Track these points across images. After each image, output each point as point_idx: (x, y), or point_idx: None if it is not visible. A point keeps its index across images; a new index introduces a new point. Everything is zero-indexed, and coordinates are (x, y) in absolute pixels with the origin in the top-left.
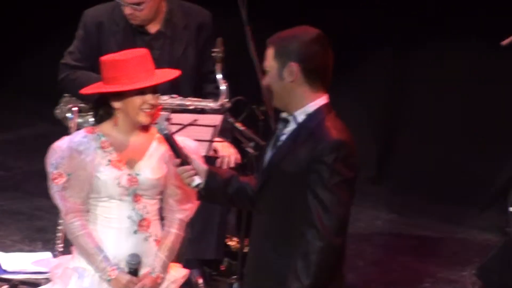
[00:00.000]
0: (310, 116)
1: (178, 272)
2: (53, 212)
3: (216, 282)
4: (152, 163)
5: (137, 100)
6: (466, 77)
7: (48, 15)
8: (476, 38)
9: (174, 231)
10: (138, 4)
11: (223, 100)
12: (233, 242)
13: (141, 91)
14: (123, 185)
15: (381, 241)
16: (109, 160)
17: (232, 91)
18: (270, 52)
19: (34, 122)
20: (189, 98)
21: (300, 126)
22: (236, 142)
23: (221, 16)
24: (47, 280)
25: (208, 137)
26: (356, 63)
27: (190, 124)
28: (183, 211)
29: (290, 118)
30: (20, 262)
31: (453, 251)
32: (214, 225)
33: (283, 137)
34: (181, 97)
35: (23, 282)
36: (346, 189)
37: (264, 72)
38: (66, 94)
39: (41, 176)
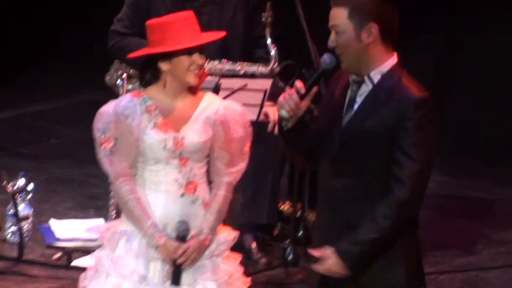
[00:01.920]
0: (386, 76)
1: (228, 234)
2: (105, 179)
3: (269, 247)
4: (198, 126)
5: (185, 60)
6: None
7: None
8: None
9: (222, 193)
10: None
11: (273, 64)
12: (286, 207)
13: (188, 52)
14: (169, 148)
15: (434, 203)
16: (155, 123)
17: (282, 55)
18: (341, 12)
19: (85, 90)
20: (239, 63)
21: (377, 86)
22: None
23: None
24: (100, 247)
25: (258, 102)
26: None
27: (240, 89)
28: (230, 174)
29: (365, 79)
30: (73, 229)
31: (506, 213)
32: (266, 190)
33: (359, 99)
34: (231, 62)
35: (76, 249)
36: (432, 144)
37: (330, 32)
38: (116, 61)
39: (93, 143)
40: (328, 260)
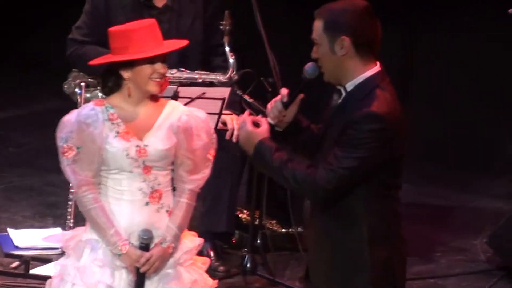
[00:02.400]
0: (358, 87)
1: (192, 242)
2: (64, 187)
3: (227, 255)
4: (161, 133)
5: (146, 69)
6: (482, 44)
7: None
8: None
9: (185, 201)
10: None
11: (231, 73)
12: (244, 215)
13: (151, 60)
14: (132, 157)
15: None
16: (117, 132)
17: (240, 64)
18: (318, 25)
19: (44, 98)
20: (197, 72)
21: (348, 95)
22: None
23: None
24: (58, 256)
25: (217, 110)
26: None
27: (199, 97)
28: (193, 181)
29: (341, 89)
30: (31, 238)
31: (465, 220)
32: (225, 198)
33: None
34: (189, 71)
35: (34, 258)
36: (363, 161)
37: (313, 44)
38: (74, 69)
39: (51, 152)
40: (253, 131)
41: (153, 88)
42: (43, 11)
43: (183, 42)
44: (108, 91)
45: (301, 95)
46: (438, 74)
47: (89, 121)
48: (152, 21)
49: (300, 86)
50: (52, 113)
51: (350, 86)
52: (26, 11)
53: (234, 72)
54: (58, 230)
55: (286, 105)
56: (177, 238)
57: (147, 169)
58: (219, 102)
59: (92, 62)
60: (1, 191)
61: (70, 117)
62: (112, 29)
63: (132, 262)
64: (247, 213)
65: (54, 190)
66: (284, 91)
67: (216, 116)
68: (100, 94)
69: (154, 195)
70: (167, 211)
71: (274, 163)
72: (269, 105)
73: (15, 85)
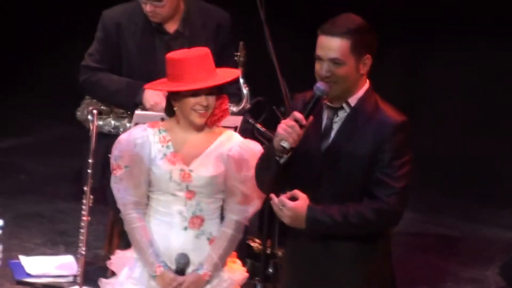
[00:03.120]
0: (362, 100)
1: (236, 274)
2: (75, 215)
3: None
4: (209, 161)
5: (190, 100)
6: (483, 71)
7: (66, 16)
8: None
9: (230, 232)
10: (159, 0)
11: (245, 104)
12: (255, 244)
13: (195, 92)
14: (175, 180)
15: (402, 239)
16: (164, 154)
17: (251, 92)
18: (345, 45)
19: (53, 125)
20: None
21: (356, 110)
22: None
23: (237, 15)
24: (70, 284)
25: None
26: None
27: None
28: (241, 212)
29: (343, 105)
30: (43, 265)
31: (475, 250)
32: None
33: (336, 126)
34: None
35: (46, 285)
36: (410, 166)
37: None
38: (87, 96)
39: (61, 179)
40: (296, 206)
41: (196, 119)
42: (52, 37)
43: (235, 73)
44: (169, 114)
45: (312, 117)
46: (443, 104)
47: (139, 142)
48: (205, 50)
49: (313, 105)
50: (60, 140)
51: (353, 101)
52: (35, 36)
53: (247, 103)
54: (70, 258)
55: (302, 127)
56: (216, 267)
57: (190, 193)
58: (232, 131)
59: (147, 86)
60: (12, 218)
61: (123, 136)
62: (168, 55)
63: (165, 285)
64: (259, 242)
65: (65, 217)
66: (298, 114)
67: None
68: (113, 122)
69: (195, 220)
70: (208, 238)
71: (336, 219)
72: (281, 131)
73: (24, 112)
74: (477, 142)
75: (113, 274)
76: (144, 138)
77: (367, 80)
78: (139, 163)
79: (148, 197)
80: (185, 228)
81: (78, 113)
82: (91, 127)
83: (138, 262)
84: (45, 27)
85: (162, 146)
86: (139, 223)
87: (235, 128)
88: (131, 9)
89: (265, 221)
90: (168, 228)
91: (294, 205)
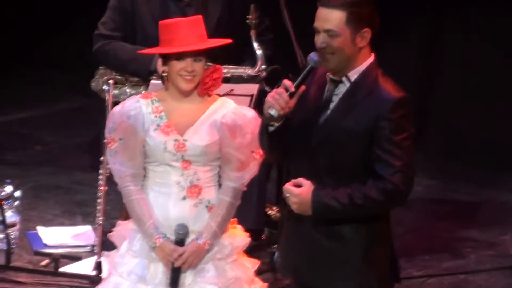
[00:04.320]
0: (363, 75)
1: (237, 239)
2: (92, 185)
3: (256, 252)
4: (202, 129)
5: (176, 65)
6: (503, 41)
7: None
8: None
9: (228, 199)
10: None
11: (260, 65)
12: (273, 211)
13: (180, 56)
14: (170, 150)
15: (420, 207)
16: (158, 125)
17: (267, 60)
18: (338, 16)
19: (70, 96)
20: (226, 66)
21: (355, 84)
22: None
23: None
24: (88, 254)
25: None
26: (391, 28)
27: (227, 94)
28: (238, 179)
29: (343, 79)
30: (60, 236)
31: (494, 216)
32: (253, 195)
33: (335, 98)
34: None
35: (64, 255)
36: (411, 141)
37: (317, 34)
38: (102, 66)
39: (79, 150)
40: (301, 191)
41: (181, 84)
42: (67, 9)
43: (226, 40)
44: (162, 81)
45: (303, 86)
46: (462, 72)
47: (132, 113)
48: (198, 17)
49: (306, 75)
50: (77, 112)
51: (353, 75)
52: (50, 9)
53: (262, 65)
54: (87, 228)
55: (291, 95)
56: (215, 235)
57: (186, 163)
58: (248, 99)
59: (140, 52)
60: (30, 189)
61: (116, 109)
62: (161, 21)
63: (166, 256)
64: (277, 209)
65: (82, 189)
66: (287, 82)
67: None
68: (128, 90)
69: (192, 190)
70: (207, 206)
71: (342, 201)
72: (269, 98)
73: (40, 84)
74: (495, 112)
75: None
76: (137, 109)
77: (372, 54)
78: (133, 134)
79: (145, 169)
80: (184, 198)
81: (93, 84)
82: (106, 97)
83: (138, 235)
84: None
85: (156, 116)
86: (137, 195)
87: (251, 97)
88: None
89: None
90: (166, 198)
91: (299, 191)
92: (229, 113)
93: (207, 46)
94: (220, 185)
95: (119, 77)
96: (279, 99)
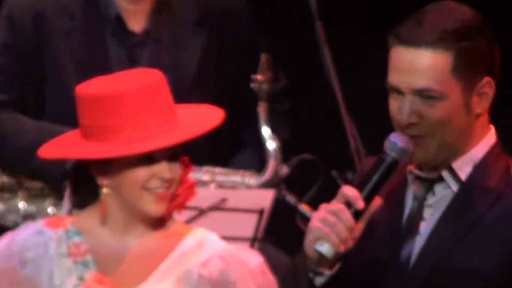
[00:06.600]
0: (484, 164)
1: None
2: None
3: None
4: None
5: (139, 173)
6: None
7: None
8: None
9: None
10: None
11: (272, 171)
12: None
13: (149, 157)
14: None
15: None
16: (81, 278)
17: (287, 147)
18: (442, 61)
19: None
20: (206, 167)
21: (471, 184)
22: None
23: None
24: None
25: (248, 234)
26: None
27: (215, 208)
28: None
29: (444, 175)
30: None
31: None
32: None
33: (432, 211)
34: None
35: None
36: None
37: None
38: None
39: None
40: None
41: (150, 206)
42: None
43: (217, 119)
44: (79, 204)
45: (379, 199)
46: None
47: (29, 256)
48: (158, 75)
49: (383, 176)
50: None
51: (462, 166)
52: None
53: (275, 171)
54: None
55: (358, 216)
56: None
57: None
58: (254, 217)
59: (41, 153)
60: None
61: (2, 243)
62: (80, 88)
63: None
64: None
65: None
66: (352, 191)
67: (247, 244)
68: (21, 206)
69: None
70: None
71: None
72: (317, 223)
73: None
74: None
75: None
76: (39, 249)
77: (491, 127)
78: None
79: None
80: None
81: None
82: None
83: None
84: None
85: (76, 262)
86: None
87: (259, 213)
88: None
89: None
90: None
91: None
92: (215, 258)
93: (196, 132)
94: None
95: (7, 180)
96: (336, 224)
